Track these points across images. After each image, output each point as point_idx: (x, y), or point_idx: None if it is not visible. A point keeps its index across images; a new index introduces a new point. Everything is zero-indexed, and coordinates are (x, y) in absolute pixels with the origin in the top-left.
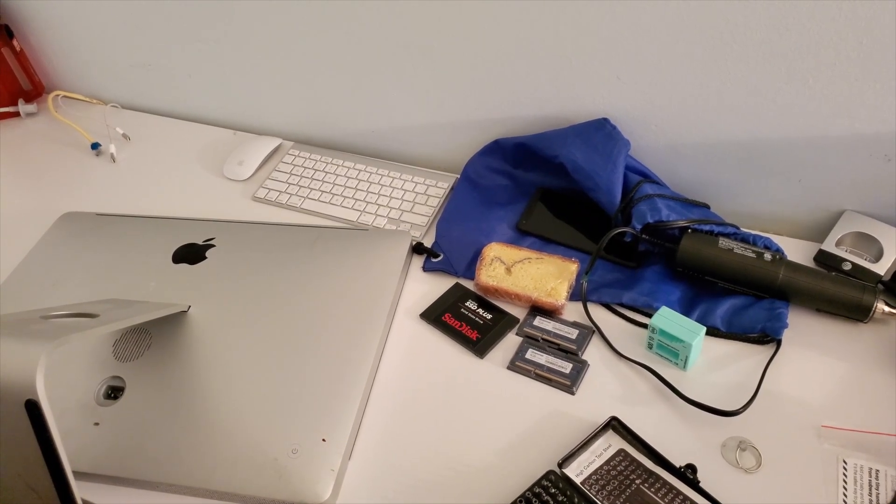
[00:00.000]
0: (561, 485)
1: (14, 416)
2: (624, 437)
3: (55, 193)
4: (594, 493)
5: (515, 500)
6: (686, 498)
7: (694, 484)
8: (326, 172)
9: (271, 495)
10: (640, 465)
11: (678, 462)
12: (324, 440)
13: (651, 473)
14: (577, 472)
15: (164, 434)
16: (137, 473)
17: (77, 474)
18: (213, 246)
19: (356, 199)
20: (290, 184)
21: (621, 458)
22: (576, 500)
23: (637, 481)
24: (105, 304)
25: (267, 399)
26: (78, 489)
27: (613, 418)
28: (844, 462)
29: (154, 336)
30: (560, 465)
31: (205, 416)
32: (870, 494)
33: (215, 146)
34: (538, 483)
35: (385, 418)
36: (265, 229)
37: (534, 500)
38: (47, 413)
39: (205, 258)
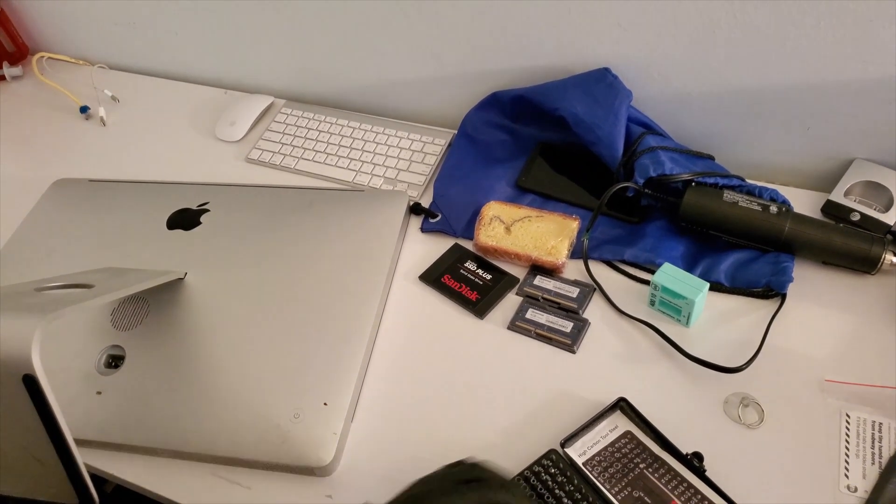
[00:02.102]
0: (562, 465)
1: (13, 391)
2: (631, 419)
3: (45, 159)
4: (596, 475)
5: (514, 478)
6: (690, 485)
7: (700, 472)
8: (320, 131)
9: (274, 459)
10: (645, 448)
11: (686, 448)
12: (325, 404)
13: (656, 458)
14: (581, 451)
15: (166, 401)
16: (141, 440)
17: (82, 442)
18: (207, 211)
19: (351, 159)
20: (283, 143)
21: (627, 440)
22: (576, 481)
23: (641, 465)
24: (100, 274)
25: (268, 364)
26: (82, 458)
27: (622, 399)
28: (847, 416)
29: (151, 304)
30: (563, 445)
31: (206, 382)
32: (872, 448)
33: (206, 106)
34: (538, 462)
35: (386, 381)
36: (260, 192)
37: (532, 478)
38: (45, 387)
39: (199, 223)
